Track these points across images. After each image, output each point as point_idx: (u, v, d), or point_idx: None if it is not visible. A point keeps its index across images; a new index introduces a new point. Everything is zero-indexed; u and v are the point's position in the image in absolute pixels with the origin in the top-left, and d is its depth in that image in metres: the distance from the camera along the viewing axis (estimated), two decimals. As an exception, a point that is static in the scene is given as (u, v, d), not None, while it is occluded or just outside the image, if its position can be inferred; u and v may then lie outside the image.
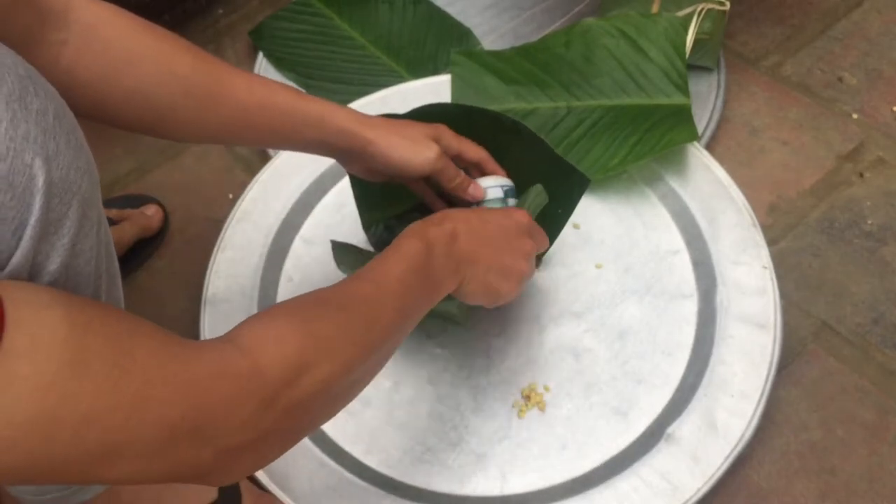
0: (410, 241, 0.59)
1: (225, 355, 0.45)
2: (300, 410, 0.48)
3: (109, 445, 0.39)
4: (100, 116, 0.61)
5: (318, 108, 0.69)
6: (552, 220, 0.82)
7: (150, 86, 0.61)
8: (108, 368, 0.39)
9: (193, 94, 0.63)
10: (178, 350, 0.43)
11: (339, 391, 0.52)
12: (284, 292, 0.92)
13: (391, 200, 0.86)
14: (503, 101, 0.98)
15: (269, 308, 0.53)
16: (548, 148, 0.79)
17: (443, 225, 0.62)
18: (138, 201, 1.02)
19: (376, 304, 0.55)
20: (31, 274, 0.43)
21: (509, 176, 0.78)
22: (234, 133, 0.67)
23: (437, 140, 0.74)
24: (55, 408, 0.37)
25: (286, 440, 0.51)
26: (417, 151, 0.72)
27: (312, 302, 0.53)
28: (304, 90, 0.78)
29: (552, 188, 0.79)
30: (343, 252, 0.80)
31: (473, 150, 0.76)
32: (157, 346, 0.42)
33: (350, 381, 0.53)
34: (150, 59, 0.61)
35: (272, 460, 0.50)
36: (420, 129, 0.73)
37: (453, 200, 0.80)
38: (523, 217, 0.70)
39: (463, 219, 0.64)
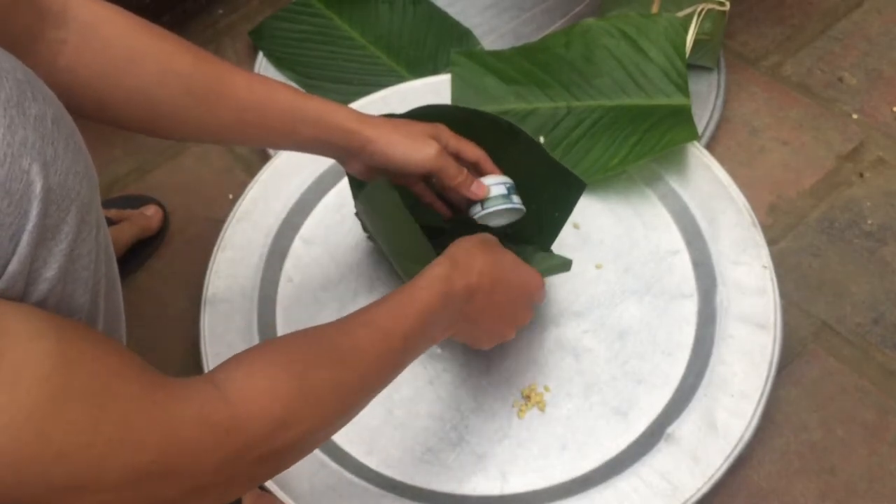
0: (430, 294, 0.61)
1: (208, 402, 0.45)
2: (274, 459, 0.49)
3: (77, 480, 0.39)
4: (101, 116, 0.61)
5: (317, 107, 0.70)
6: (549, 223, 0.82)
7: (151, 84, 0.61)
8: (88, 408, 0.39)
9: (194, 92, 0.63)
10: (161, 395, 0.43)
11: (317, 441, 0.54)
12: (284, 292, 0.92)
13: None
14: (503, 101, 0.98)
15: (266, 347, 0.54)
16: (544, 151, 0.79)
17: (469, 275, 0.64)
18: (138, 202, 1.02)
19: (376, 359, 0.56)
20: (28, 280, 0.42)
21: (506, 178, 0.78)
22: (234, 131, 0.67)
23: (436, 138, 0.74)
24: (29, 443, 0.37)
25: (256, 481, 0.51)
26: (417, 149, 0.72)
27: (313, 349, 0.54)
28: (304, 90, 0.78)
29: (549, 191, 0.79)
30: (375, 193, 0.74)
31: (471, 150, 0.76)
32: (140, 388, 0.43)
33: (330, 431, 0.54)
34: (151, 57, 0.61)
35: (239, 496, 0.50)
36: (419, 128, 0.74)
37: (454, 201, 0.79)
38: (538, 287, 0.72)
39: (489, 273, 0.66)
